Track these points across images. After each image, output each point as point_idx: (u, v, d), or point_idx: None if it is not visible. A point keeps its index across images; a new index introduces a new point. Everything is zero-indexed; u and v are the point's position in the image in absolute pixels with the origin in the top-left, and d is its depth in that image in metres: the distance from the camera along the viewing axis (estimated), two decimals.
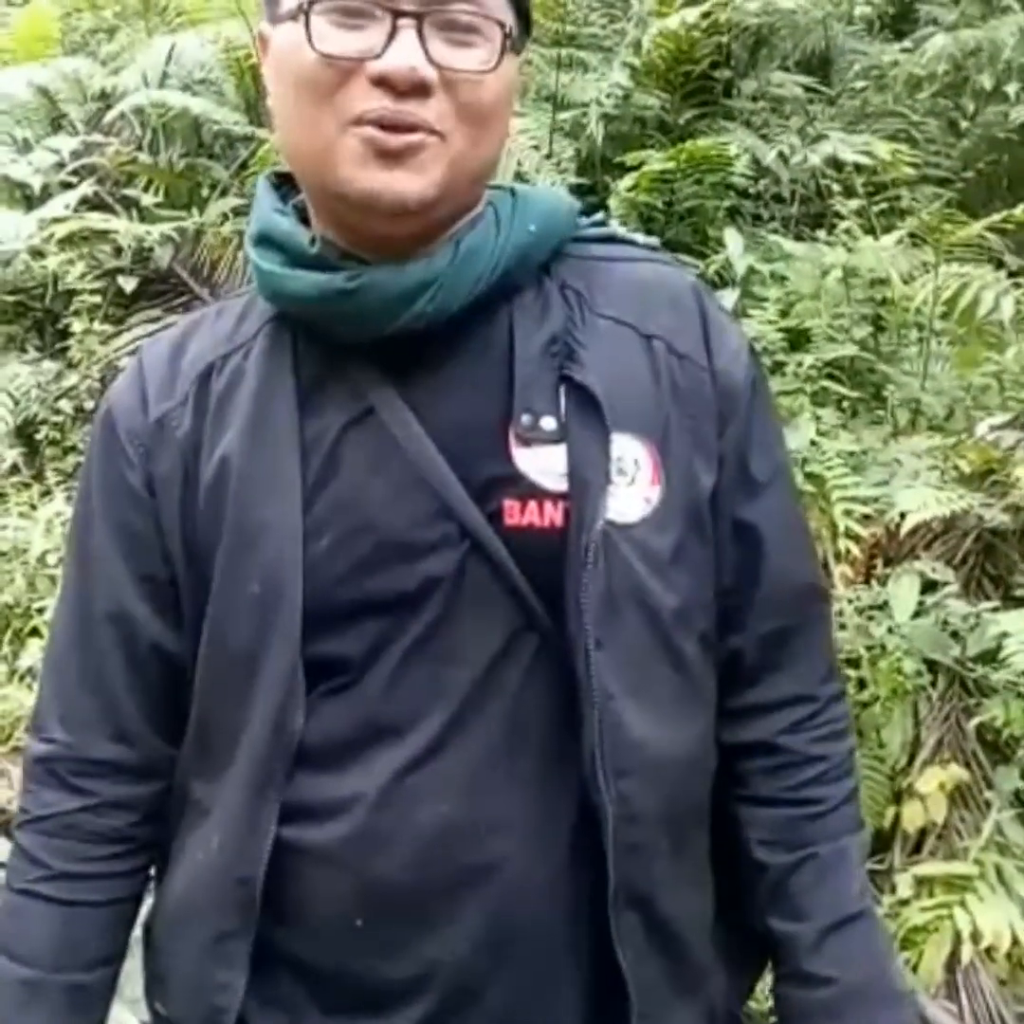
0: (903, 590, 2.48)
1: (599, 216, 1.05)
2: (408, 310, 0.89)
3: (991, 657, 2.38)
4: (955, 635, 2.46)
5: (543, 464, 0.90)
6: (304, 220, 0.96)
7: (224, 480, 0.93)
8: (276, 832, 0.91)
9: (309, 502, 0.91)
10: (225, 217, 4.19)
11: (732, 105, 3.96)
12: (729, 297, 3.11)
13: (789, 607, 1.00)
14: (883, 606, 2.49)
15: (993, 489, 2.67)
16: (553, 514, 0.90)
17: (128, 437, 0.98)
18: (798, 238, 3.49)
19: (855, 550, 2.58)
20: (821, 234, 3.35)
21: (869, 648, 2.42)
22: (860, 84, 3.93)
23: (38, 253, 4.17)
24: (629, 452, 0.92)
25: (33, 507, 3.76)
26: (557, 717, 0.91)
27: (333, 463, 0.92)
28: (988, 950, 2.22)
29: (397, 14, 0.84)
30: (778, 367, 2.96)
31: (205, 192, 4.41)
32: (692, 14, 3.57)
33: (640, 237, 1.05)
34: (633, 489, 0.91)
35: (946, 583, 2.51)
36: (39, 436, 4.00)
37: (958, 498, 2.51)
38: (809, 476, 2.66)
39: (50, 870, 0.99)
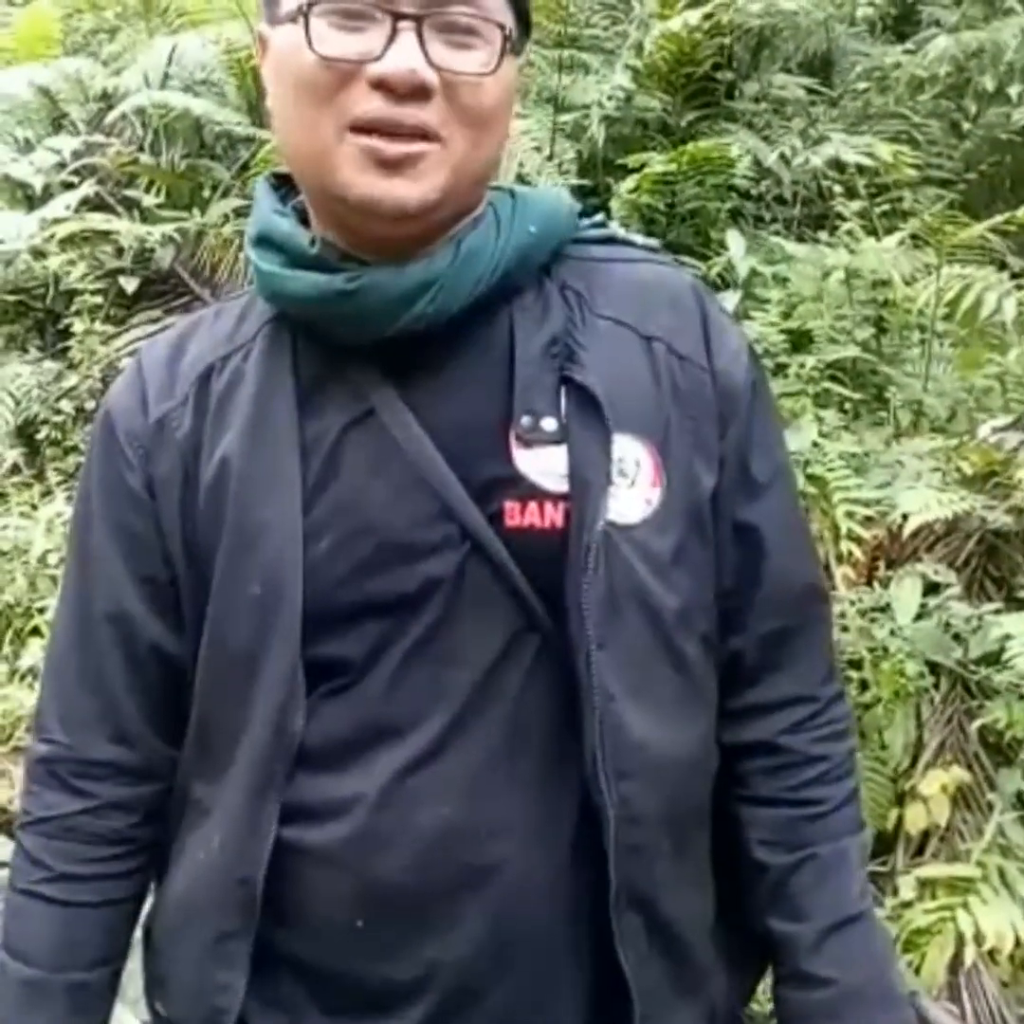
0: (905, 592, 2.48)
1: (599, 217, 1.05)
2: (408, 311, 0.89)
3: (993, 659, 2.38)
4: (957, 637, 2.45)
5: (544, 465, 0.90)
6: (304, 221, 0.96)
7: (224, 481, 0.93)
8: (277, 833, 0.91)
9: (309, 503, 0.91)
10: (226, 218, 4.19)
11: (734, 107, 3.96)
12: (731, 299, 3.11)
13: (789, 608, 1.00)
14: (885, 608, 2.49)
15: (995, 491, 2.67)
16: (554, 515, 0.90)
17: (127, 439, 0.98)
18: (800, 240, 3.49)
19: (857, 552, 2.57)
20: (823, 236, 3.35)
21: (871, 650, 2.42)
22: (862, 86, 3.92)
23: (39, 253, 4.17)
24: (630, 453, 0.92)
25: (34, 507, 3.77)
26: (558, 718, 0.90)
27: (333, 464, 0.92)
28: (991, 952, 2.22)
29: (397, 16, 0.84)
30: (780, 369, 2.96)
31: (206, 193, 4.41)
32: (694, 16, 3.57)
33: (639, 238, 1.05)
34: (634, 490, 0.91)
35: (948, 585, 2.51)
36: (40, 436, 4.00)
37: (960, 500, 2.51)
38: (811, 478, 2.65)
39: (51, 871, 1.00)
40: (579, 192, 3.49)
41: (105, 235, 4.21)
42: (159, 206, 4.32)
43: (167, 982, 1.00)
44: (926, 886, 2.34)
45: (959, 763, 2.44)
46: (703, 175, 3.47)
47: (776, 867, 0.98)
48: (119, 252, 4.23)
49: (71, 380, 4.05)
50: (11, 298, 4.36)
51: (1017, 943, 2.19)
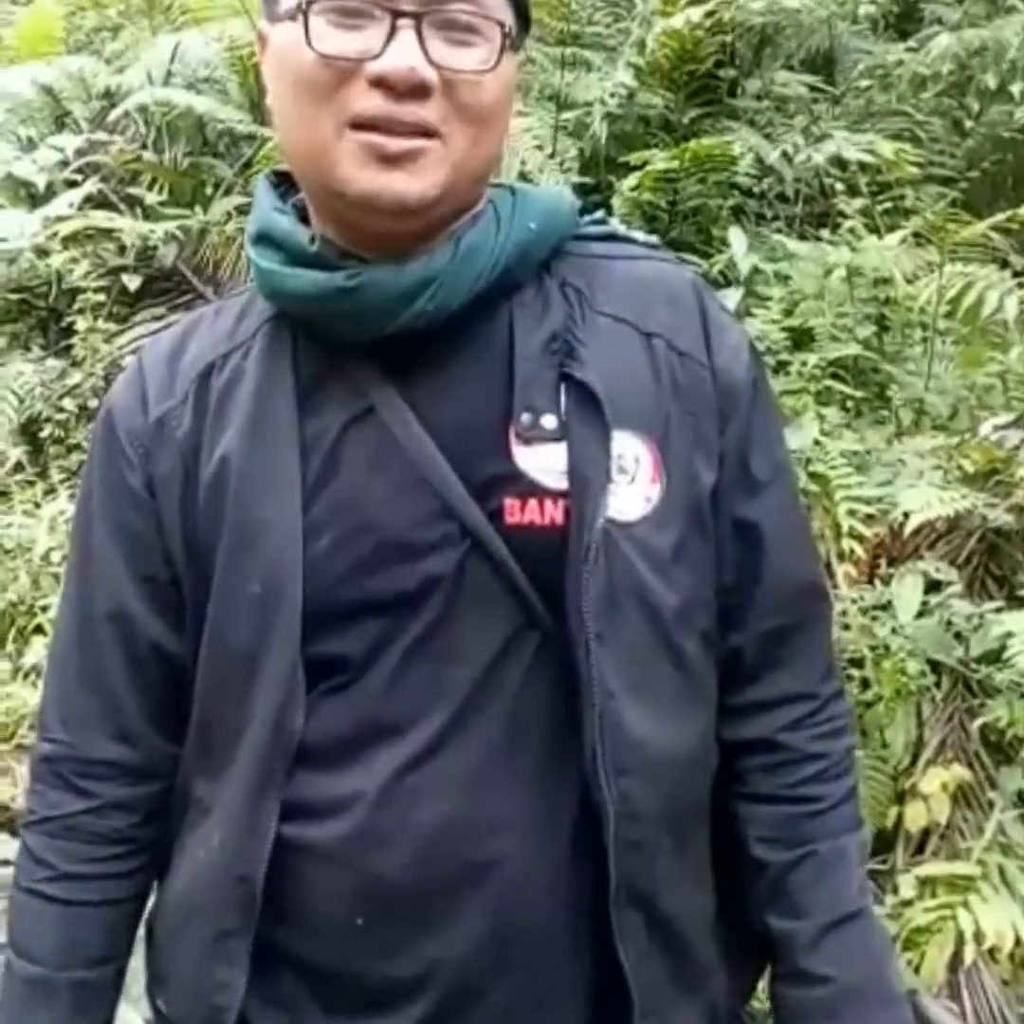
0: (907, 590, 2.48)
1: (599, 214, 1.05)
2: (408, 309, 0.89)
3: (995, 657, 2.38)
4: (959, 635, 2.46)
5: (543, 462, 0.90)
6: (304, 219, 0.96)
7: (224, 479, 0.93)
8: (277, 830, 0.91)
9: (309, 501, 0.91)
10: (229, 216, 4.19)
11: (736, 104, 3.96)
12: (733, 296, 3.11)
13: (789, 605, 0.99)
14: (887, 606, 2.49)
15: (997, 489, 2.67)
16: (553, 512, 0.89)
17: (128, 438, 0.98)
18: (802, 237, 3.49)
19: (859, 550, 2.58)
20: (825, 233, 3.35)
21: (873, 648, 2.42)
22: (864, 83, 3.92)
23: (42, 251, 4.17)
24: (629, 450, 0.91)
25: (37, 505, 3.77)
26: (558, 715, 0.90)
27: (333, 462, 0.92)
28: (991, 951, 2.22)
29: (396, 14, 0.84)
30: (782, 366, 2.96)
31: (209, 190, 4.41)
32: (696, 13, 3.57)
33: (640, 235, 1.05)
34: (633, 487, 0.91)
35: (950, 583, 2.51)
36: (43, 434, 4.01)
37: (962, 498, 2.51)
38: (813, 476, 2.66)
39: (55, 871, 1.00)
40: (581, 190, 3.49)
41: (108, 233, 4.21)
42: (162, 204, 4.32)
43: (168, 980, 1.00)
44: (926, 884, 2.34)
45: (960, 761, 2.44)
46: (705, 173, 3.47)
47: (775, 864, 0.98)
48: (122, 250, 4.23)
49: (74, 378, 4.05)
50: (14, 296, 4.36)
51: (1017, 942, 2.20)
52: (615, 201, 3.45)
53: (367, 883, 0.91)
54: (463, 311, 0.91)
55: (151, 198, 4.33)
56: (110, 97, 4.58)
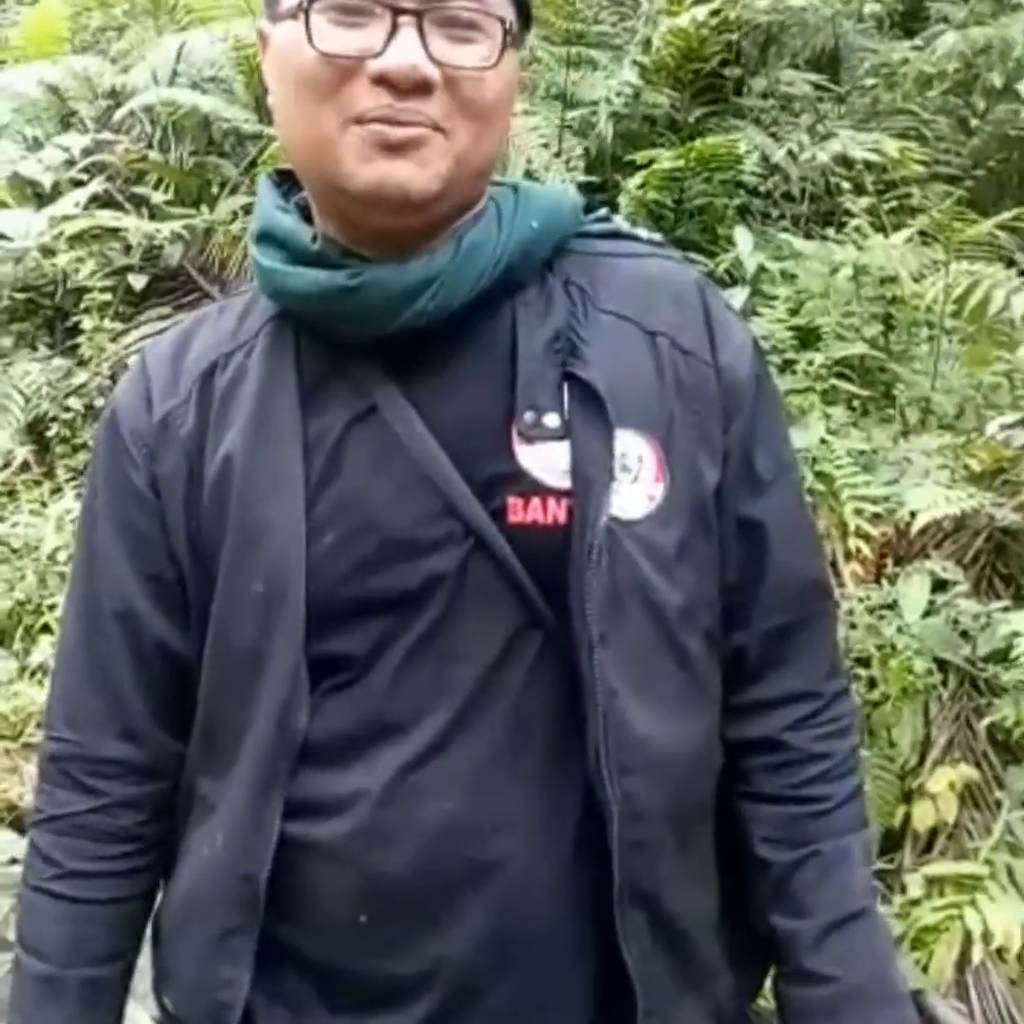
0: (913, 589, 2.48)
1: (603, 211, 1.04)
2: (410, 307, 0.89)
3: (1002, 657, 2.38)
4: (965, 634, 2.45)
5: (546, 461, 0.90)
6: (307, 218, 0.96)
7: (227, 478, 0.93)
8: (281, 829, 0.92)
9: (312, 501, 0.91)
10: (235, 215, 4.19)
11: (742, 103, 3.95)
12: (739, 295, 3.11)
13: (793, 603, 0.99)
14: (893, 605, 2.49)
15: (1004, 488, 2.67)
16: (556, 511, 0.89)
17: (132, 437, 0.98)
18: (808, 236, 3.49)
19: (865, 549, 2.57)
20: (831, 232, 3.35)
21: (879, 647, 2.41)
22: (870, 82, 3.91)
23: (48, 251, 4.17)
24: (633, 448, 0.91)
25: (44, 504, 3.77)
26: (561, 714, 0.90)
27: (336, 461, 0.92)
28: (999, 950, 2.22)
29: (397, 12, 0.84)
30: (788, 365, 2.96)
31: (215, 190, 4.41)
32: (702, 12, 3.57)
33: (644, 232, 1.04)
34: (637, 486, 0.91)
35: (956, 582, 2.50)
36: (49, 433, 4.01)
37: (968, 497, 2.50)
38: (819, 475, 2.65)
39: (62, 868, 1.00)
40: (587, 188, 3.48)
41: (114, 232, 4.21)
42: (167, 203, 4.32)
43: (173, 977, 1.01)
44: (934, 884, 2.34)
45: (967, 761, 2.44)
46: (711, 171, 3.47)
47: (778, 864, 0.98)
48: (128, 249, 4.23)
49: (80, 377, 4.05)
50: (20, 296, 4.36)
51: None
52: (621, 200, 3.45)
53: (370, 881, 0.91)
54: (465, 310, 0.91)
55: (157, 197, 4.33)
56: (116, 97, 4.59)
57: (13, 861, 2.36)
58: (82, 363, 4.08)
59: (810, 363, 2.92)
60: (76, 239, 4.15)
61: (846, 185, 3.29)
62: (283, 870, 0.92)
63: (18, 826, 2.70)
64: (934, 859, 2.40)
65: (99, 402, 3.89)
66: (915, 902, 2.31)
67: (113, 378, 3.92)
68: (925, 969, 2.22)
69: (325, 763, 0.92)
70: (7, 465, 3.96)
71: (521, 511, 0.90)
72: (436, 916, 0.91)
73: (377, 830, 0.90)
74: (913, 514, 2.51)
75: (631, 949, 0.91)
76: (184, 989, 0.99)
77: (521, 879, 0.91)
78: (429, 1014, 0.92)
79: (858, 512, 2.59)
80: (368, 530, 0.91)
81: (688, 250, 3.25)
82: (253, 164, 4.27)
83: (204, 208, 4.29)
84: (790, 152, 3.50)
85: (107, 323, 4.07)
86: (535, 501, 0.90)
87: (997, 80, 3.57)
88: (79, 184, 4.33)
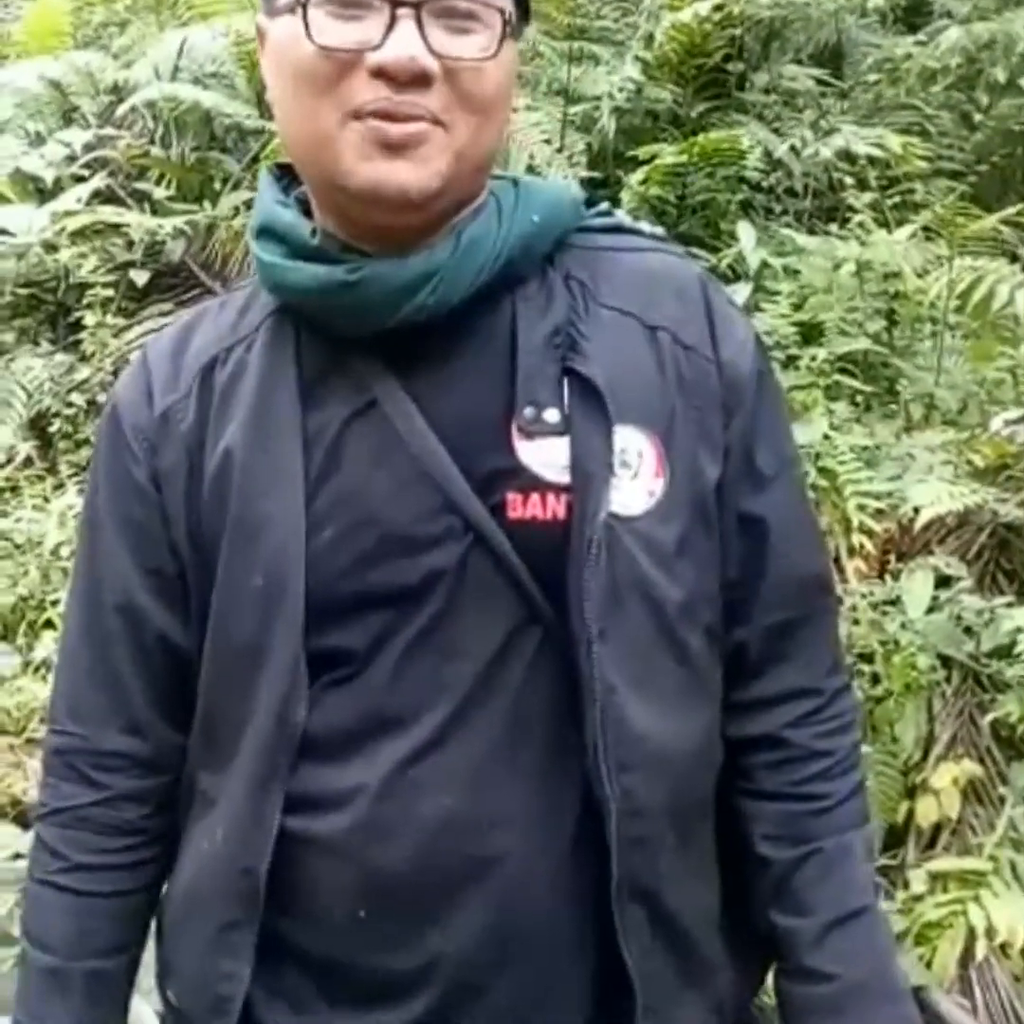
0: (917, 585, 2.48)
1: (604, 206, 1.04)
2: (409, 302, 0.89)
3: (1005, 652, 2.38)
4: (969, 630, 2.45)
5: (546, 456, 0.90)
6: (307, 212, 0.96)
7: (227, 472, 0.93)
8: (281, 823, 0.92)
9: (311, 495, 0.91)
10: (237, 210, 4.19)
11: (744, 98, 3.95)
12: (742, 291, 3.11)
13: (795, 600, 0.99)
14: (896, 601, 2.49)
15: (1007, 484, 2.67)
16: (556, 506, 0.89)
17: (133, 432, 0.98)
18: (811, 232, 3.49)
19: (868, 545, 2.58)
20: (834, 228, 3.35)
21: (883, 643, 2.42)
22: (873, 77, 3.92)
23: (51, 246, 4.17)
24: (633, 444, 0.91)
25: (46, 500, 3.78)
26: (560, 710, 0.90)
27: (336, 456, 0.92)
28: (1002, 946, 2.22)
29: (395, 4, 0.84)
30: (791, 361, 2.96)
31: (217, 186, 4.41)
32: (704, 7, 3.57)
33: (646, 227, 1.04)
34: (637, 482, 0.91)
35: (960, 578, 2.51)
36: (52, 429, 4.02)
37: (972, 493, 2.51)
38: (822, 470, 2.66)
39: (67, 861, 1.00)
40: (589, 184, 3.48)
41: (116, 228, 4.21)
42: (169, 199, 4.33)
43: (175, 971, 1.01)
44: (937, 880, 2.34)
45: (970, 756, 2.44)
46: (713, 167, 3.47)
47: (779, 862, 0.97)
48: (130, 245, 4.23)
49: (83, 373, 4.06)
50: (23, 291, 4.36)
51: None
52: (623, 195, 3.45)
53: (369, 876, 0.91)
54: (465, 305, 0.90)
55: (159, 193, 4.33)
56: (118, 92, 4.59)
57: (17, 856, 2.36)
58: (84, 359, 4.08)
59: (813, 359, 2.92)
60: (78, 235, 4.15)
61: (849, 180, 3.29)
62: (283, 864, 0.92)
63: (22, 821, 2.70)
64: (937, 855, 2.40)
65: (101, 398, 3.89)
66: (918, 898, 2.31)
67: (115, 374, 3.92)
68: (929, 965, 2.22)
69: (325, 758, 0.92)
70: (10, 461, 3.97)
71: (520, 507, 0.89)
72: (435, 911, 0.91)
73: (376, 825, 0.90)
74: (916, 510, 2.52)
75: (630, 945, 0.91)
76: (186, 982, 0.99)
77: (520, 875, 0.90)
78: (428, 1009, 0.91)
79: (861, 508, 2.59)
80: (368, 525, 0.91)
81: (691, 246, 3.25)
82: (255, 160, 4.27)
83: (206, 204, 4.30)
84: (793, 147, 3.50)
85: (109, 319, 4.08)
86: (534, 497, 0.89)
87: (1001, 75, 3.57)
88: (81, 180, 4.34)
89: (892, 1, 4.16)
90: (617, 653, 0.89)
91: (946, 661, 2.46)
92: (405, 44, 0.83)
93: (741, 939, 1.00)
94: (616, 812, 0.89)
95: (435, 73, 0.84)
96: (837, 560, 2.62)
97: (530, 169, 3.48)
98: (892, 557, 2.65)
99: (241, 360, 0.96)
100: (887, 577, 2.58)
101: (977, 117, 3.83)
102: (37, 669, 3.23)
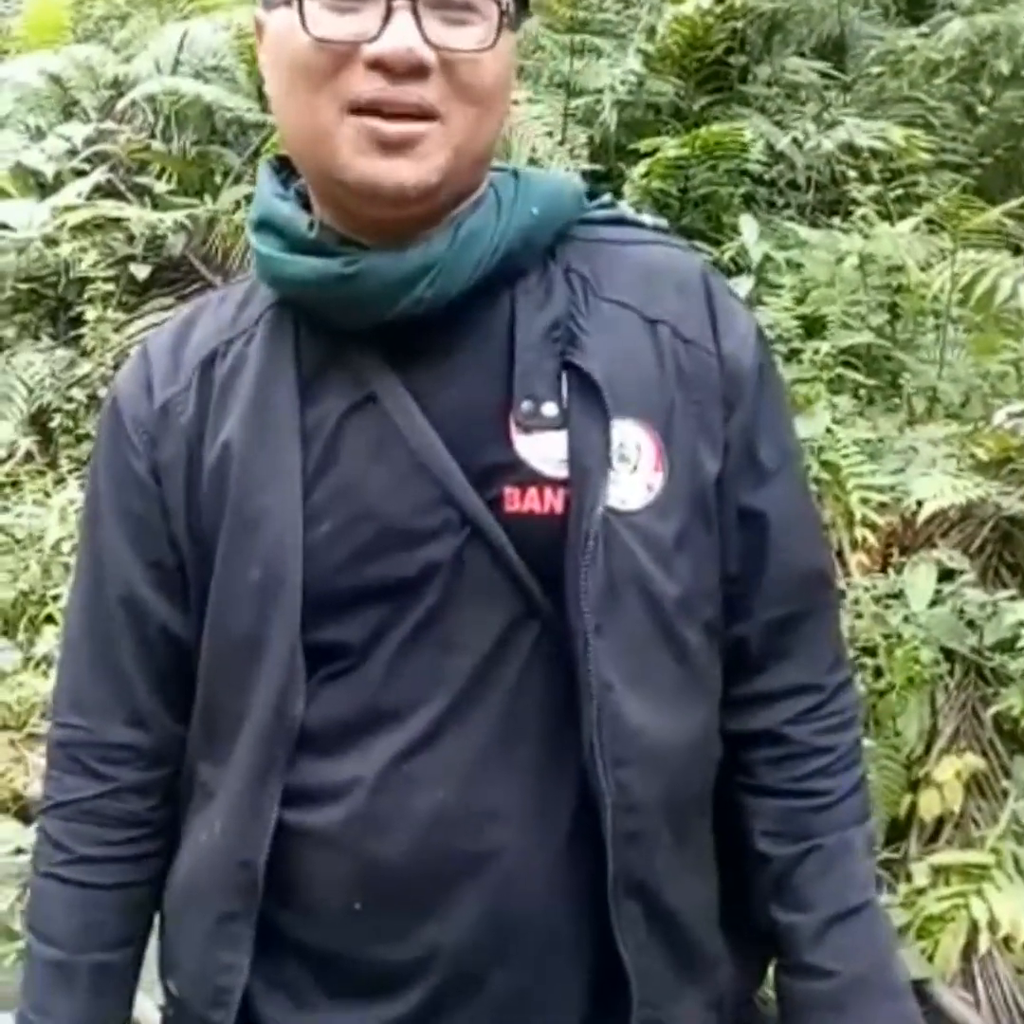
0: (920, 579, 2.48)
1: (607, 198, 1.03)
2: (407, 295, 0.88)
3: (1008, 646, 2.38)
4: (972, 624, 2.45)
5: (544, 451, 0.89)
6: (306, 205, 0.95)
7: (226, 465, 0.93)
8: (278, 815, 0.92)
9: (309, 489, 0.91)
10: (238, 204, 4.18)
11: (747, 91, 3.95)
12: (744, 284, 3.10)
13: (796, 594, 0.98)
14: (899, 595, 2.49)
15: (1011, 477, 2.67)
16: (553, 501, 0.89)
17: (133, 425, 0.98)
18: (814, 225, 3.48)
19: (871, 538, 2.57)
20: (837, 221, 3.34)
21: (886, 637, 2.41)
22: (876, 69, 3.91)
23: (51, 241, 4.17)
24: (631, 438, 0.91)
25: (47, 495, 3.78)
26: (557, 705, 0.90)
27: (334, 450, 0.92)
28: (1005, 939, 2.23)
29: None
30: (794, 354, 2.95)
31: (218, 179, 4.41)
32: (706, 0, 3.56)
33: (649, 218, 1.03)
34: (635, 476, 0.91)
35: (963, 572, 2.51)
36: (53, 424, 4.02)
37: (975, 486, 2.50)
38: (825, 464, 2.65)
39: (72, 854, 1.01)
40: (591, 177, 3.48)
41: (116, 222, 4.21)
42: (170, 193, 4.33)
43: (176, 962, 1.01)
44: (940, 873, 2.34)
45: (973, 750, 2.44)
46: (716, 160, 3.47)
47: (779, 858, 0.97)
48: (130, 239, 4.23)
49: (83, 368, 4.06)
50: (23, 286, 4.37)
51: None
52: (625, 188, 3.44)
53: (364, 869, 0.91)
54: (464, 298, 0.90)
55: (160, 187, 4.33)
56: (118, 86, 4.59)
57: (18, 851, 2.36)
58: (85, 353, 4.08)
59: (816, 352, 2.92)
60: (79, 229, 4.15)
61: (852, 173, 3.28)
62: (281, 857, 0.92)
63: (23, 816, 2.71)
64: (940, 848, 2.40)
65: (102, 392, 3.89)
66: (921, 891, 2.31)
67: (116, 368, 3.90)
68: (931, 958, 2.22)
69: (322, 750, 0.92)
70: (11, 456, 3.97)
71: (518, 501, 0.89)
72: (430, 905, 0.91)
73: (371, 818, 0.90)
74: (919, 503, 2.51)
75: (626, 941, 0.91)
76: (185, 974, 0.99)
77: (515, 869, 0.90)
78: (425, 1001, 0.92)
79: (864, 501, 2.58)
80: (365, 518, 0.90)
81: (693, 239, 3.24)
82: (256, 153, 4.27)
83: (207, 198, 4.30)
84: (795, 140, 3.49)
85: (110, 313, 4.08)
86: (532, 491, 0.89)
87: (1004, 67, 3.57)
88: (81, 174, 4.34)
89: None
90: (614, 648, 0.89)
91: (949, 654, 2.46)
92: (402, 35, 0.83)
93: (741, 934, 1.00)
94: (611, 807, 0.89)
95: (432, 64, 0.84)
96: (840, 554, 2.62)
97: (532, 162, 3.48)
98: (895, 551, 2.65)
99: (240, 353, 0.96)
100: (890, 571, 2.58)
101: (980, 109, 3.82)
102: (38, 664, 3.24)
